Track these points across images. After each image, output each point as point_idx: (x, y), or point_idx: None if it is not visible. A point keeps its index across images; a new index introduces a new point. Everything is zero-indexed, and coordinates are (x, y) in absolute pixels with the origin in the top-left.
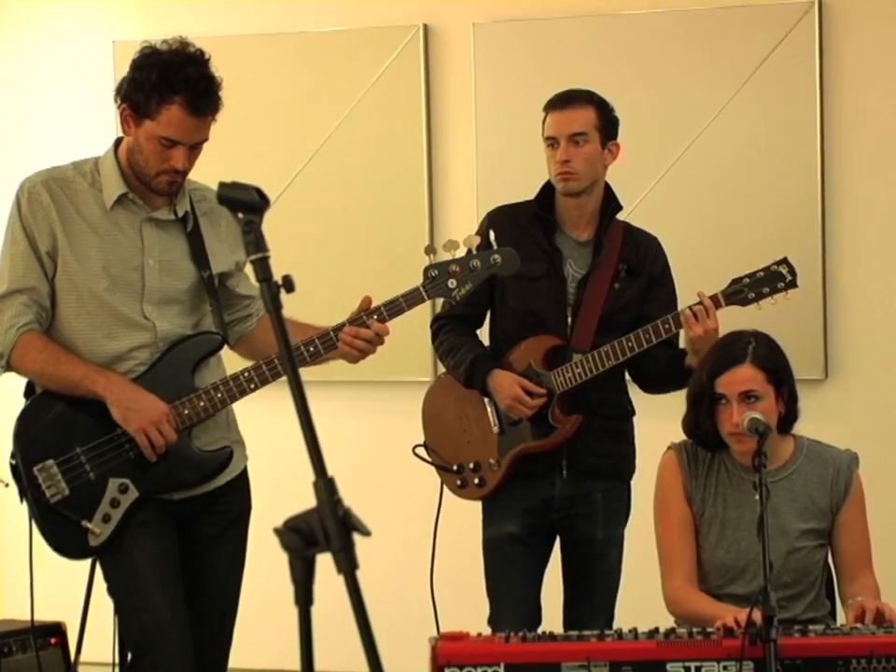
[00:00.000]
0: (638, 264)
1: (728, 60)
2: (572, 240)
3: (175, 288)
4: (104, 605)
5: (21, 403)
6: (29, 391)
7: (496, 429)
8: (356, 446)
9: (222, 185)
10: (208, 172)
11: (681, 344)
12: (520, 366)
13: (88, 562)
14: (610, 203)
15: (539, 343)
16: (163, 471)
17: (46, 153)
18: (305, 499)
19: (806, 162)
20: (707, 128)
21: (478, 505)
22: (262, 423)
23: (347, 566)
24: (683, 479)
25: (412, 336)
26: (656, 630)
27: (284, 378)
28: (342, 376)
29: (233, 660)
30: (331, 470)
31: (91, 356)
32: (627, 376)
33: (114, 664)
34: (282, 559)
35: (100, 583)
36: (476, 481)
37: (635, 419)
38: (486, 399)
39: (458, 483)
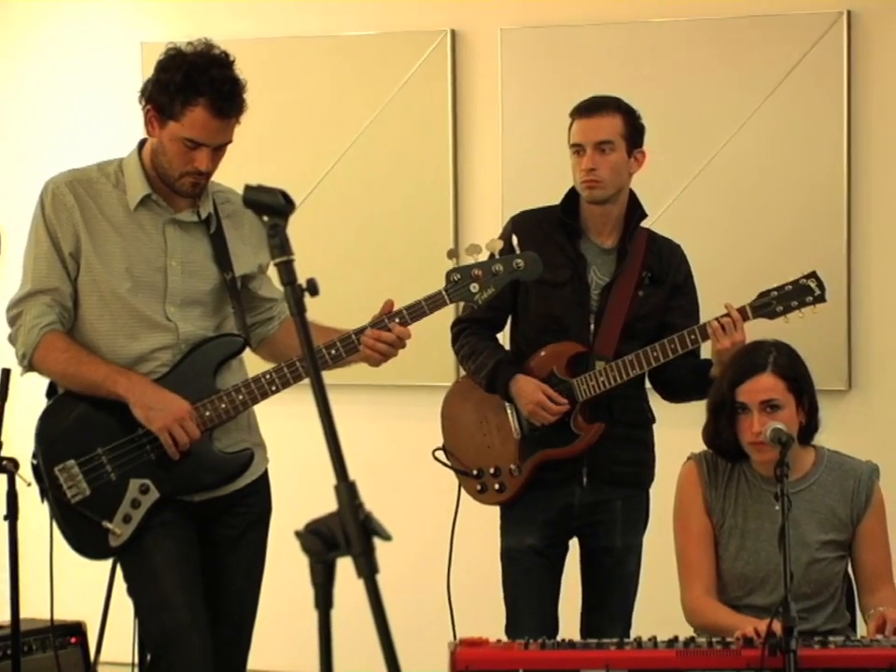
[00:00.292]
0: (662, 272)
1: (755, 70)
2: (596, 247)
3: (197, 290)
4: (124, 605)
5: (43, 403)
6: (51, 391)
7: (517, 435)
8: (376, 450)
9: (248, 188)
10: (235, 174)
11: (704, 354)
12: (542, 372)
13: (109, 562)
14: (635, 210)
15: (562, 350)
16: (184, 473)
17: (74, 154)
18: (326, 503)
19: (832, 174)
20: (732, 138)
21: (496, 510)
22: (284, 426)
23: (367, 570)
24: (703, 489)
25: (434, 340)
26: (676, 639)
27: (306, 381)
28: (363, 380)
29: (253, 662)
30: (351, 474)
31: (113, 356)
32: (648, 384)
33: (133, 664)
34: (303, 562)
35: (120, 583)
36: (496, 486)
37: (655, 427)
38: (507, 404)
39: (478, 487)
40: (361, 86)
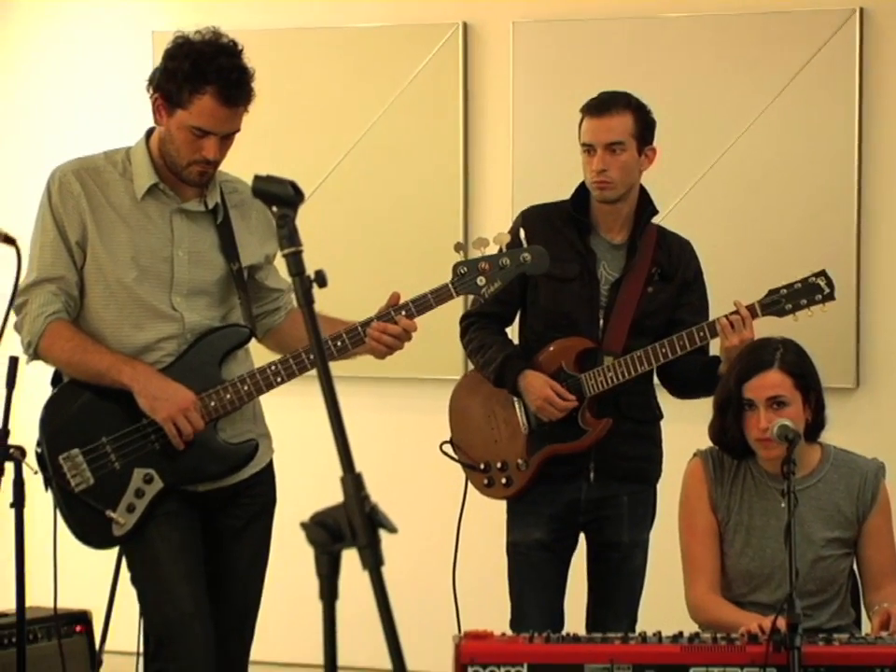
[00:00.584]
0: (672, 268)
1: (766, 66)
2: (606, 242)
3: (203, 280)
4: (130, 594)
5: (48, 392)
6: (56, 380)
7: (524, 429)
8: (383, 442)
9: (257, 178)
10: (245, 164)
11: (712, 351)
12: (550, 367)
13: (115, 551)
14: (646, 206)
15: (571, 345)
16: (188, 463)
17: (85, 143)
18: (332, 494)
19: (843, 172)
20: (742, 135)
21: (502, 504)
22: (291, 417)
23: (373, 562)
24: (709, 486)
25: (442, 333)
26: (680, 634)
27: (312, 373)
28: (371, 372)
29: (257, 653)
30: (358, 466)
31: (119, 346)
32: (656, 380)
33: (139, 653)
34: (308, 554)
35: (126, 573)
36: (503, 480)
37: (662, 423)
38: (515, 399)
39: (485, 481)
40: (372, 78)
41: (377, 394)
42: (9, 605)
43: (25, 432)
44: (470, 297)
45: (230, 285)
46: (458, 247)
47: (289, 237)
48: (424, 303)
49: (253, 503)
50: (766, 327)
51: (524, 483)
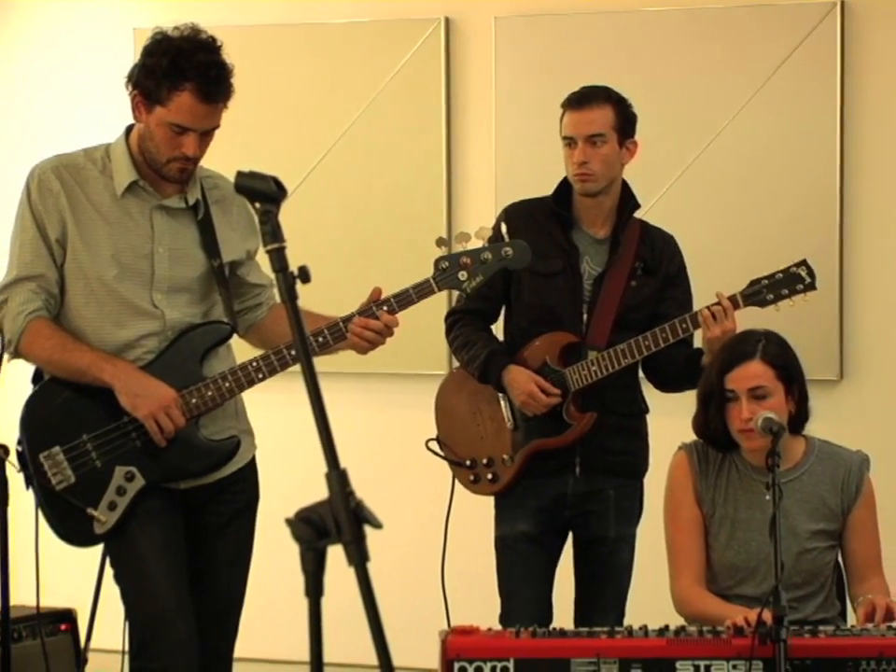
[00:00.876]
0: (655, 262)
1: (748, 59)
2: (589, 237)
3: (184, 277)
4: (116, 592)
5: (29, 390)
6: (37, 378)
7: (509, 425)
8: (368, 439)
9: (240, 174)
10: (227, 161)
11: (697, 343)
12: (535, 362)
13: (100, 549)
14: (628, 200)
15: (555, 340)
16: (170, 460)
17: (66, 140)
18: (317, 490)
19: (825, 164)
20: (725, 128)
21: (489, 500)
22: (275, 413)
23: (358, 557)
24: (694, 479)
25: (427, 328)
26: (666, 628)
27: (296, 368)
28: (355, 368)
29: (243, 650)
30: (343, 462)
31: (100, 343)
32: (641, 374)
33: (124, 651)
34: (293, 550)
35: (111, 570)
36: (489, 476)
37: (648, 417)
38: (500, 395)
39: (471, 478)
40: (355, 74)
41: (361, 389)
42: None
43: (6, 431)
44: (455, 292)
45: (211, 281)
46: (440, 242)
47: (272, 233)
48: (405, 298)
49: (236, 500)
50: (750, 320)
51: (509, 479)
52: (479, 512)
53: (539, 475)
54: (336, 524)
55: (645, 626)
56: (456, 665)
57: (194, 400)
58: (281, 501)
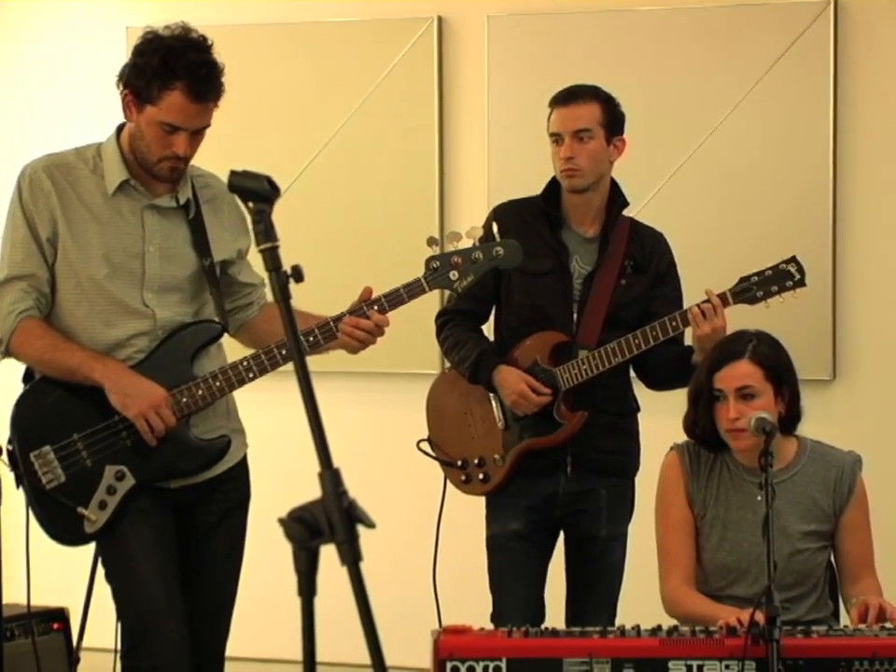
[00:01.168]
0: (645, 260)
1: (742, 58)
2: (578, 236)
3: (175, 276)
4: (108, 591)
5: (20, 389)
6: (28, 377)
7: (500, 425)
8: (360, 438)
9: (234, 173)
10: (219, 161)
11: (688, 342)
12: (525, 362)
13: (93, 548)
14: (617, 199)
15: (545, 339)
16: (161, 459)
17: (58, 140)
18: (309, 489)
19: (818, 163)
20: (719, 126)
21: (481, 500)
22: (268, 413)
23: (351, 557)
24: (685, 480)
25: (419, 328)
26: (659, 627)
27: (286, 368)
28: (347, 367)
29: (235, 649)
30: (335, 462)
31: (91, 343)
32: (632, 373)
33: (116, 650)
34: (286, 549)
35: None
36: (480, 476)
37: (640, 416)
38: (491, 395)
39: (462, 478)
40: (347, 73)
41: (353, 388)
42: None
43: (1, 430)
44: (446, 291)
45: (202, 280)
46: (431, 242)
47: (266, 232)
48: (396, 298)
49: (227, 499)
50: (743, 319)
51: (500, 479)
52: (470, 512)
53: (531, 474)
54: (329, 523)
55: (637, 626)
56: (449, 665)
57: (185, 399)
58: (273, 500)
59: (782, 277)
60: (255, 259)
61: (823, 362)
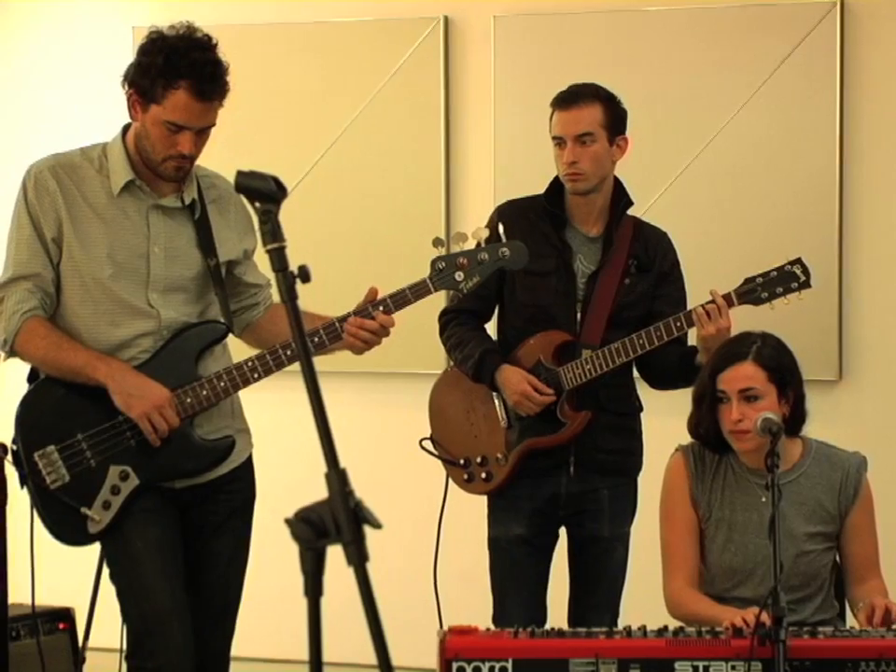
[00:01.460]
0: (648, 260)
1: (748, 59)
2: (582, 235)
3: (180, 276)
4: (113, 591)
5: (24, 389)
6: (32, 377)
7: (503, 424)
8: (364, 438)
9: (240, 173)
10: (225, 161)
11: (691, 341)
12: (529, 361)
13: (98, 548)
14: (621, 198)
15: (549, 339)
16: (165, 459)
17: (64, 139)
18: (315, 489)
19: (824, 164)
20: (725, 127)
21: (483, 499)
22: (275, 413)
23: (357, 558)
24: (690, 482)
25: (423, 328)
26: (665, 628)
27: (294, 368)
28: (352, 367)
29: (242, 649)
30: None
31: (95, 343)
32: (635, 372)
33: (121, 650)
34: (292, 550)
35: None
36: (483, 475)
37: (643, 415)
38: (494, 394)
39: (465, 477)
40: (353, 73)
41: (358, 389)
42: None
43: (3, 430)
44: (450, 293)
45: (207, 281)
46: (437, 242)
47: (272, 233)
48: (401, 299)
49: (232, 499)
50: (749, 319)
51: (503, 478)
52: (473, 511)
53: (534, 474)
54: (336, 524)
55: (644, 627)
56: (455, 665)
57: (189, 400)
58: (279, 500)
59: (787, 279)
60: (260, 260)
61: (829, 363)
